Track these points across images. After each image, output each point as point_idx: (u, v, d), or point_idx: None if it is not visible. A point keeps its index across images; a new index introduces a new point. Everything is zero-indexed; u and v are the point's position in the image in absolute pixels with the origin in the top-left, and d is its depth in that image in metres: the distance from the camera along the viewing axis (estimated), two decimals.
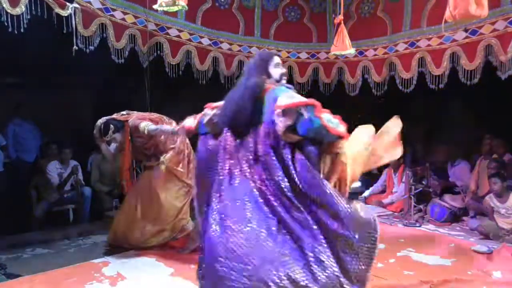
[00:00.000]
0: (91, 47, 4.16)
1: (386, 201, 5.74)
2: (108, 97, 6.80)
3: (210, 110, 2.60)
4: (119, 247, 3.94)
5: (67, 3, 3.82)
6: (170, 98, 6.03)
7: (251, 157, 2.27)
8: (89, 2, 4.10)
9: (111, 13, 4.37)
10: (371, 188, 6.09)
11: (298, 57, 5.90)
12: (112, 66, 4.69)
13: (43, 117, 5.89)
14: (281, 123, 2.21)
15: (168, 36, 4.97)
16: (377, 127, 2.53)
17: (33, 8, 3.55)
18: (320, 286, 2.07)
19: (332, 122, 2.20)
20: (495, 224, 4.37)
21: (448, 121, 6.50)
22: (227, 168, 2.35)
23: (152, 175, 3.92)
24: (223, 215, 2.24)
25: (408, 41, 5.22)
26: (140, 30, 4.66)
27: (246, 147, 2.29)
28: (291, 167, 2.20)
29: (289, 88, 2.41)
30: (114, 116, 3.93)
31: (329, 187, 2.21)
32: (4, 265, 3.60)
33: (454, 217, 5.01)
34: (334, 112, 2.25)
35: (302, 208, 2.18)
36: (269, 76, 2.43)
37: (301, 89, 5.87)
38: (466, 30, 4.51)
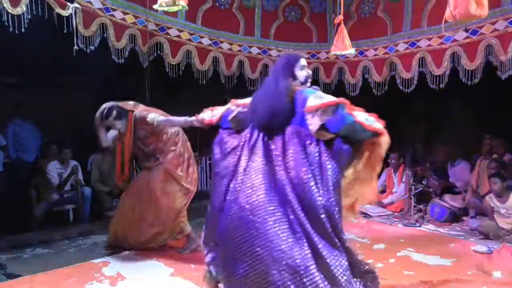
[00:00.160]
0: (92, 47, 4.15)
1: (386, 201, 5.73)
2: (108, 97, 6.80)
3: (235, 107, 2.67)
4: (119, 247, 3.94)
5: (68, 3, 3.81)
6: (170, 98, 6.03)
7: (278, 153, 2.34)
8: (90, 2, 4.10)
9: (111, 13, 4.37)
10: None
11: None
12: (112, 66, 4.69)
13: (43, 117, 5.88)
14: (313, 123, 2.27)
15: (168, 36, 4.97)
16: None
17: (33, 8, 3.54)
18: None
19: (368, 119, 2.26)
20: (495, 224, 4.37)
21: (448, 121, 6.51)
22: (250, 164, 2.41)
23: (150, 176, 3.85)
24: (245, 206, 2.32)
25: (408, 41, 5.22)
26: (140, 30, 4.66)
27: (275, 146, 2.36)
28: (318, 168, 2.27)
29: (316, 89, 2.48)
30: (120, 104, 3.86)
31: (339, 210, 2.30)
32: (4, 265, 3.60)
33: (454, 217, 5.01)
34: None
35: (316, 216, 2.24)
36: (294, 78, 2.50)
37: None
38: (466, 30, 4.51)
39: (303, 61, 2.55)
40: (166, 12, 4.18)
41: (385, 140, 2.30)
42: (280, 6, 5.79)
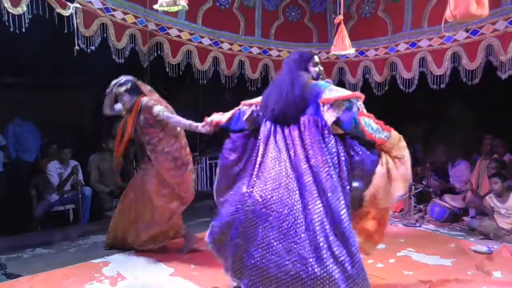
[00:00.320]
0: (92, 47, 4.15)
1: None
2: None
3: (247, 107, 2.78)
4: (118, 247, 3.94)
5: (68, 3, 3.81)
6: (170, 98, 6.03)
7: (296, 143, 2.43)
8: (90, 2, 4.09)
9: (111, 13, 4.37)
10: None
11: None
12: (112, 66, 4.69)
13: (43, 117, 5.89)
14: (329, 115, 2.39)
15: (168, 36, 4.96)
16: None
17: (34, 8, 3.54)
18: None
19: (372, 127, 2.37)
20: (495, 224, 4.37)
21: (448, 121, 6.50)
22: (265, 159, 2.50)
23: (146, 177, 3.79)
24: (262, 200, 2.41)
25: (409, 41, 5.22)
26: (140, 30, 4.65)
27: (292, 136, 2.45)
28: (336, 157, 2.40)
29: (329, 82, 2.59)
30: (138, 82, 3.83)
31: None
32: (4, 265, 3.60)
33: (454, 217, 5.01)
34: None
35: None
36: (308, 73, 2.63)
37: None
38: (467, 30, 4.51)
39: (316, 58, 2.70)
40: (166, 12, 4.17)
41: (392, 145, 2.40)
42: (281, 6, 5.79)
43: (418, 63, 5.13)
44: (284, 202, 2.34)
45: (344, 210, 2.30)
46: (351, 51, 4.59)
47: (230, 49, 5.50)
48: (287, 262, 2.25)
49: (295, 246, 2.26)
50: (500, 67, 4.43)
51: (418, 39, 5.12)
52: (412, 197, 5.11)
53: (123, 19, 4.50)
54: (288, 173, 2.39)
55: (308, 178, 2.34)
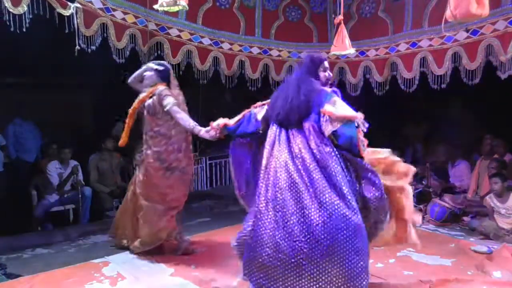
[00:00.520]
0: (93, 47, 4.15)
1: None
2: (108, 97, 6.81)
3: (259, 108, 2.83)
4: (121, 243, 3.93)
5: (69, 3, 3.81)
6: None
7: (301, 147, 2.50)
8: (90, 2, 4.09)
9: (111, 13, 4.37)
10: None
11: (299, 57, 5.87)
12: (112, 66, 4.69)
13: (43, 117, 5.89)
14: (327, 127, 2.47)
15: (168, 36, 4.96)
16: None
17: (35, 8, 3.54)
18: None
19: (363, 144, 2.52)
20: (495, 224, 4.37)
21: (448, 121, 6.50)
22: (270, 161, 2.58)
23: (138, 173, 3.78)
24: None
25: (409, 41, 5.22)
26: (140, 30, 4.65)
27: (296, 140, 2.53)
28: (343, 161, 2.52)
29: (335, 92, 2.63)
30: (173, 76, 3.79)
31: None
32: (4, 265, 3.60)
33: (454, 217, 5.00)
34: None
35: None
36: (317, 78, 2.66)
37: None
38: (467, 30, 4.51)
39: (326, 63, 2.72)
40: (166, 12, 4.17)
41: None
42: (281, 6, 5.79)
43: (418, 63, 5.13)
44: (289, 202, 2.40)
45: (354, 202, 2.41)
46: (351, 51, 4.59)
47: (230, 49, 5.49)
48: (292, 260, 2.33)
49: (300, 244, 2.33)
50: (500, 67, 4.44)
51: (419, 39, 5.12)
52: (412, 197, 5.10)
53: (123, 19, 4.50)
54: (292, 176, 2.46)
55: (317, 175, 2.42)
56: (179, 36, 5.05)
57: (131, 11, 4.54)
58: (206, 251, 3.92)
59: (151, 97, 3.61)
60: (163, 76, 3.71)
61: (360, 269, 2.37)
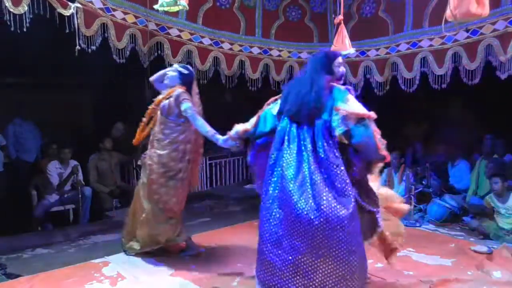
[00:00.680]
0: (93, 47, 4.14)
1: None
2: (108, 97, 6.81)
3: (272, 103, 2.81)
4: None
5: (69, 3, 3.81)
6: None
7: (309, 145, 2.48)
8: (91, 2, 4.09)
9: (111, 13, 4.36)
10: None
11: (299, 57, 5.89)
12: (112, 66, 4.69)
13: (43, 117, 5.89)
14: (338, 125, 2.42)
15: (169, 36, 4.96)
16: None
17: (35, 8, 3.53)
18: None
19: (382, 142, 2.46)
20: (495, 224, 4.37)
21: (448, 121, 6.51)
22: (279, 156, 2.56)
23: (140, 175, 3.77)
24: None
25: (410, 41, 5.22)
26: (140, 30, 4.65)
27: (304, 136, 2.50)
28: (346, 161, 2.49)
29: (348, 89, 2.60)
30: (195, 82, 3.75)
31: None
32: (4, 265, 3.60)
33: (454, 217, 5.00)
34: None
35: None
36: (331, 73, 2.62)
37: None
38: (467, 30, 4.51)
39: (340, 59, 2.70)
40: (166, 12, 4.17)
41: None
42: (281, 6, 5.79)
43: (419, 63, 5.13)
44: (293, 199, 2.39)
45: (352, 204, 2.40)
46: (351, 51, 4.59)
47: (230, 49, 5.49)
48: (299, 257, 2.34)
49: (298, 244, 2.34)
50: (500, 67, 4.44)
51: (419, 39, 5.12)
52: (412, 197, 5.11)
53: (124, 19, 4.50)
54: (300, 174, 2.45)
55: (317, 177, 2.40)
56: (179, 36, 5.05)
57: (131, 11, 4.54)
58: (206, 251, 3.92)
59: (167, 98, 3.59)
60: (185, 80, 3.66)
61: (355, 268, 2.37)
